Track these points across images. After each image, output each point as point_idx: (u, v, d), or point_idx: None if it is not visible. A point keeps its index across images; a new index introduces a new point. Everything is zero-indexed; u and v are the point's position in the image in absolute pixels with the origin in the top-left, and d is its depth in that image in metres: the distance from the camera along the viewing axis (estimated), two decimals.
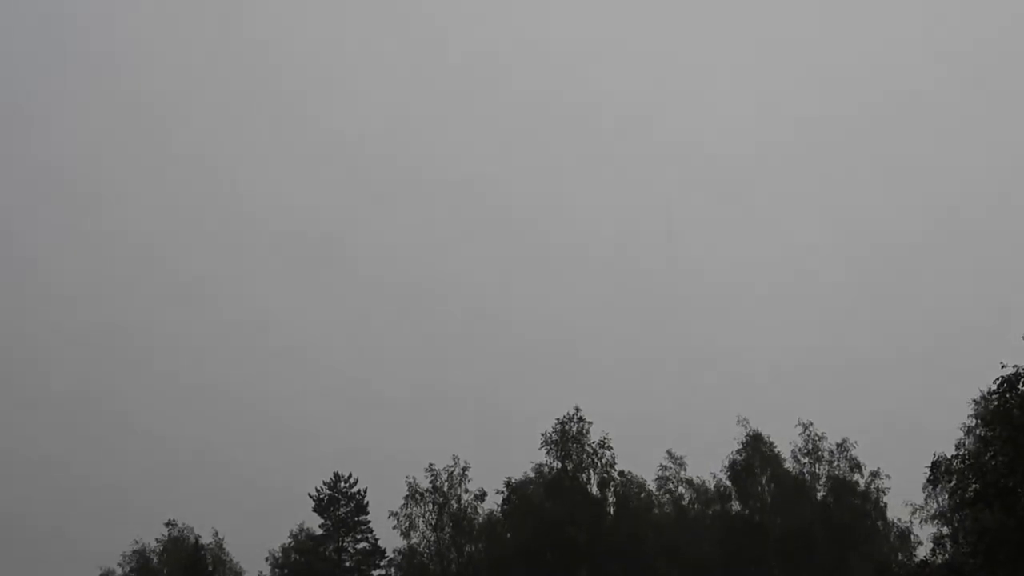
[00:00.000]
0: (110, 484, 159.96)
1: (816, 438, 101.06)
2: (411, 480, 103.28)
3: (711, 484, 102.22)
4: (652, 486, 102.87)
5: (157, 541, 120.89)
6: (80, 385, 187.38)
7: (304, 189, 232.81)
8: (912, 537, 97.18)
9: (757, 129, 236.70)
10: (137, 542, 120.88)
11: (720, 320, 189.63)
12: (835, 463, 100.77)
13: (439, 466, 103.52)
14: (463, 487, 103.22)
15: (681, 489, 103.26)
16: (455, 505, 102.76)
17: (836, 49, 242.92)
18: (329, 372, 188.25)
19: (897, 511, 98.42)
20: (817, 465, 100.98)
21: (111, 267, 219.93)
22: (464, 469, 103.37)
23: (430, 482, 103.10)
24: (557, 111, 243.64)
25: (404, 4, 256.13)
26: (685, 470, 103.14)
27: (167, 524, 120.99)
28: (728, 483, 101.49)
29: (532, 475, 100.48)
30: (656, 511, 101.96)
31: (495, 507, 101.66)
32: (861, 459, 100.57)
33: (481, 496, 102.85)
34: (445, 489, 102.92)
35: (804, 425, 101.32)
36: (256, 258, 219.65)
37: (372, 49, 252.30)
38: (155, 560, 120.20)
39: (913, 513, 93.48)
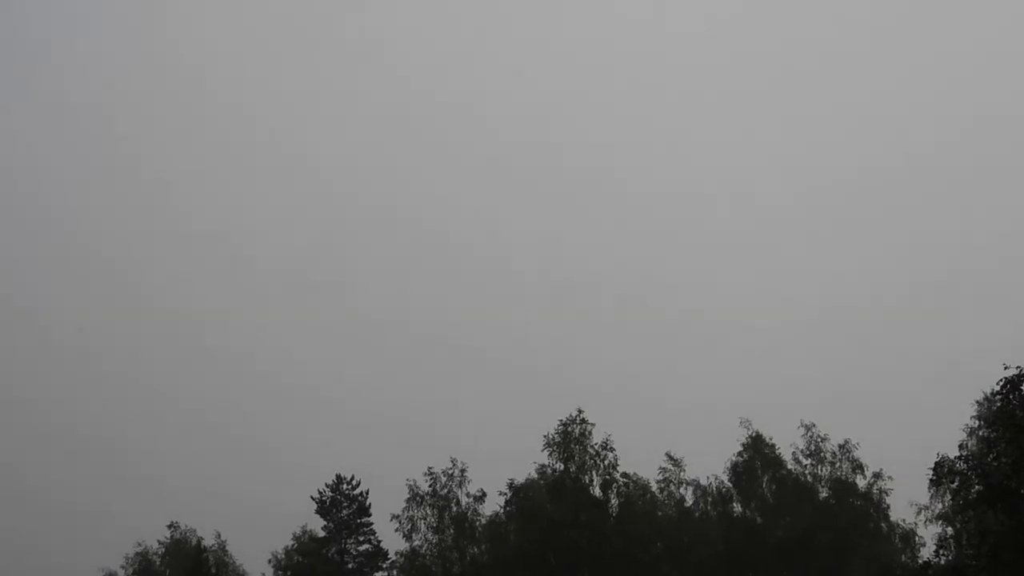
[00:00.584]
0: (112, 486, 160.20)
1: (819, 439, 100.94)
2: (411, 483, 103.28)
3: (713, 486, 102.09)
4: (654, 488, 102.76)
5: (160, 543, 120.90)
6: (82, 386, 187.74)
7: (302, 207, 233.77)
8: (917, 538, 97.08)
9: (754, 134, 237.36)
10: (140, 544, 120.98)
11: (722, 321, 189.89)
12: (837, 464, 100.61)
13: (438, 469, 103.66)
14: (463, 489, 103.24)
15: (683, 491, 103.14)
16: (455, 508, 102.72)
17: (829, 57, 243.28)
18: (333, 375, 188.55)
19: (902, 512, 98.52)
20: (819, 466, 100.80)
21: (118, 273, 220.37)
22: (463, 471, 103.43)
23: (430, 485, 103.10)
24: (548, 126, 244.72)
25: (390, 45, 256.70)
26: (684, 472, 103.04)
27: (169, 526, 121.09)
28: (729, 485, 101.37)
29: (535, 476, 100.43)
30: (660, 513, 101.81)
31: (498, 508, 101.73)
32: (863, 460, 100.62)
33: (481, 497, 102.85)
34: (445, 492, 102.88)
35: (807, 427, 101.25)
36: (254, 272, 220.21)
37: (359, 87, 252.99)
38: (158, 562, 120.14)
39: (918, 513, 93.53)
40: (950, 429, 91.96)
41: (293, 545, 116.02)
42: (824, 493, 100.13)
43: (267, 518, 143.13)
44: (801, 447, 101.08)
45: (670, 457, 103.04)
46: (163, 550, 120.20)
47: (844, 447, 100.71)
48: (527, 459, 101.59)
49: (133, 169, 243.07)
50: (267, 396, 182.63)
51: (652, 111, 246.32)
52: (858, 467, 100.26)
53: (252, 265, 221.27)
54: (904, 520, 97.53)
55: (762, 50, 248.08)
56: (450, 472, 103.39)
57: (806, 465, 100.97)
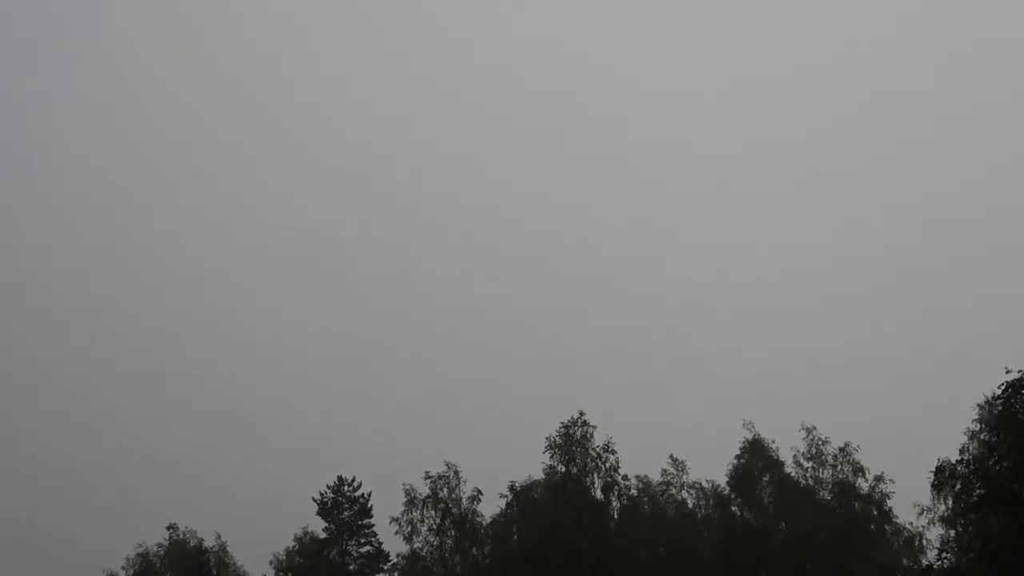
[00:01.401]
0: (113, 487, 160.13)
1: (820, 442, 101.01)
2: (408, 487, 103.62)
3: (713, 489, 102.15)
4: (656, 490, 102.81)
5: (158, 546, 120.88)
6: (82, 388, 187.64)
7: (308, 194, 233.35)
8: (924, 542, 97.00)
9: (754, 128, 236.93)
10: (140, 545, 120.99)
11: (723, 326, 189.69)
12: (838, 467, 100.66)
13: (435, 472, 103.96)
14: (460, 490, 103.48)
15: (684, 494, 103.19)
16: (455, 510, 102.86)
17: (829, 49, 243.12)
18: (334, 376, 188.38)
19: (906, 515, 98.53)
20: (820, 469, 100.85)
21: (114, 270, 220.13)
22: (456, 472, 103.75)
23: (429, 488, 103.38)
24: (553, 112, 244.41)
25: (405, 12, 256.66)
26: (687, 474, 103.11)
27: (168, 528, 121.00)
28: (730, 488, 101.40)
29: (543, 477, 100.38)
30: (660, 516, 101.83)
31: (499, 510, 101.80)
32: (865, 463, 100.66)
33: (476, 497, 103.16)
34: (444, 494, 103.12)
35: (808, 429, 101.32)
36: (261, 262, 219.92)
37: (375, 55, 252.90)
38: (158, 564, 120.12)
39: (920, 515, 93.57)
40: (952, 433, 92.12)
41: (294, 546, 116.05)
42: (825, 496, 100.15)
43: (269, 520, 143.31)
44: (802, 450, 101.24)
45: (673, 459, 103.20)
46: (164, 552, 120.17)
47: (844, 450, 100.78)
48: (529, 461, 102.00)
49: (174, 159, 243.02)
50: (272, 398, 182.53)
51: (651, 75, 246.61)
52: (859, 470, 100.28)
53: (257, 255, 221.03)
54: (911, 523, 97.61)
55: None
56: (446, 476, 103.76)
57: (807, 468, 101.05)
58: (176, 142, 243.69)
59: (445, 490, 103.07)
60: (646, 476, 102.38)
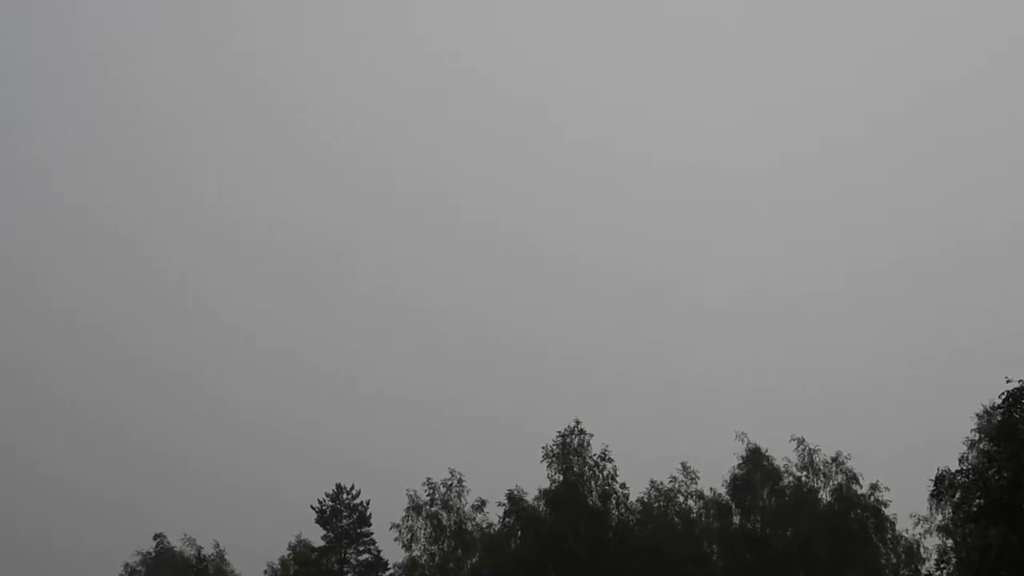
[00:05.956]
0: (111, 491, 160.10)
1: (810, 452, 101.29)
2: (411, 493, 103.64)
3: (713, 498, 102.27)
4: (657, 499, 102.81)
5: (147, 553, 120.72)
6: (80, 393, 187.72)
7: (308, 202, 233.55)
8: (922, 550, 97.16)
9: (758, 143, 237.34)
10: (138, 553, 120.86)
11: (724, 334, 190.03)
12: (832, 477, 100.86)
13: (436, 479, 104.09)
14: (461, 499, 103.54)
15: (689, 503, 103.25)
16: (454, 518, 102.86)
17: (838, 56, 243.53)
18: (333, 383, 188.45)
19: (905, 524, 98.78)
20: (815, 479, 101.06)
21: (113, 273, 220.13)
22: (460, 480, 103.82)
23: (428, 495, 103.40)
24: (551, 125, 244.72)
25: (402, 23, 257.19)
26: (697, 483, 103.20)
27: (155, 537, 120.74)
28: (729, 497, 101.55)
29: (540, 486, 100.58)
30: (661, 524, 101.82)
31: (497, 519, 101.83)
32: (859, 472, 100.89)
33: (480, 506, 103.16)
34: (444, 502, 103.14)
35: (797, 440, 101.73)
36: (259, 268, 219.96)
37: (371, 65, 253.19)
38: (156, 573, 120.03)
39: (916, 524, 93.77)
40: (951, 442, 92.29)
41: (290, 555, 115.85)
42: (821, 505, 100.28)
43: (267, 527, 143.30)
44: (795, 460, 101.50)
45: (684, 467, 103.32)
46: (160, 559, 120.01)
47: (836, 459, 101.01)
48: (529, 468, 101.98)
49: (173, 163, 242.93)
50: (271, 404, 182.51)
51: (649, 88, 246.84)
52: (853, 479, 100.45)
53: (256, 261, 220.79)
54: (907, 531, 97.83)
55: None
56: (448, 483, 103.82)
57: (799, 477, 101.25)
58: (173, 144, 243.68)
59: (447, 498, 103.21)
60: (659, 482, 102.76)
